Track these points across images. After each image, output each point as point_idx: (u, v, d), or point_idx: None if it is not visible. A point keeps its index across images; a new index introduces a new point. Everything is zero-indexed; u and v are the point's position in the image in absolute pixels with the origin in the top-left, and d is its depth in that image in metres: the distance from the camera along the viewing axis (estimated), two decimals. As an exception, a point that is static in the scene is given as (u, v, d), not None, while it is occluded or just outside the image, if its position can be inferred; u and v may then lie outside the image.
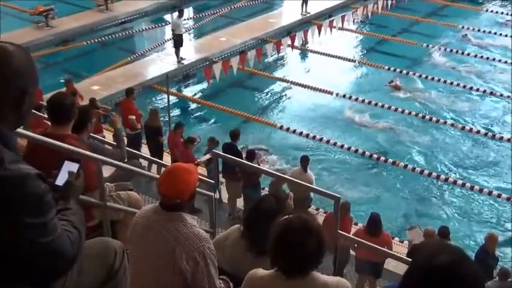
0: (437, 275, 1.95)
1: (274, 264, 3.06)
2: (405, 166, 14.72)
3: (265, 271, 3.15)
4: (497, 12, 25.36)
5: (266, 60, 20.14)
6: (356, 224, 11.13)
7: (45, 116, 5.58)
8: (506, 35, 22.73)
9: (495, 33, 23.07)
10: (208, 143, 12.56)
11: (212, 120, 17.05)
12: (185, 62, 20.00)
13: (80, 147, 4.50)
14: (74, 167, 2.82)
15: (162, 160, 11.88)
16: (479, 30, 23.50)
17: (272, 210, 3.89)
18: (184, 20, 21.14)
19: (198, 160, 11.98)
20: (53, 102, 4.77)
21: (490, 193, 13.80)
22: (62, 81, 14.82)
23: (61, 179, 2.71)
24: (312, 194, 11.59)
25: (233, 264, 3.92)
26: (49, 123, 4.89)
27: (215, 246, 3.70)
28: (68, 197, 2.59)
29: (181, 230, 3.53)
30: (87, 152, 4.56)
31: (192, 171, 3.71)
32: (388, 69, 20.17)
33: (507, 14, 24.88)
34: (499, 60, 20.82)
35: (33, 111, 5.64)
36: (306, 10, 24.20)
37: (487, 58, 21.06)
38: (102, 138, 6.77)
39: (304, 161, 11.73)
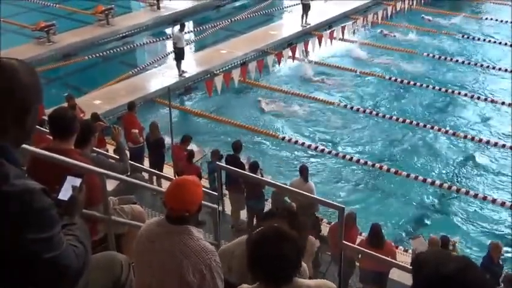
0: (444, 284, 1.95)
1: (255, 279, 3.02)
2: (408, 175, 14.69)
3: (249, 286, 3.12)
4: (496, 20, 25.43)
5: (267, 71, 20.15)
6: (360, 234, 11.10)
7: (48, 131, 5.58)
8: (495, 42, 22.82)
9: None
10: (211, 156, 12.55)
11: (214, 133, 17.07)
12: (187, 75, 20.05)
13: (83, 162, 4.50)
14: (76, 181, 2.83)
15: (162, 172, 11.90)
16: (463, 36, 23.68)
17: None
18: (185, 33, 21.21)
19: None
20: (54, 117, 4.76)
21: (494, 201, 13.76)
22: (64, 95, 14.86)
23: (64, 194, 2.71)
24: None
25: (241, 276, 3.90)
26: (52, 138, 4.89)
27: (223, 256, 3.70)
28: (73, 212, 2.59)
29: (187, 243, 3.53)
30: (90, 166, 4.56)
31: (198, 184, 3.72)
32: (389, 78, 20.21)
33: (506, 21, 24.93)
34: (499, 69, 20.87)
35: (36, 126, 5.66)
36: (306, 21, 24.28)
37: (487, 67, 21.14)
38: (105, 152, 6.77)
39: (304, 171, 11.71)
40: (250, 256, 2.92)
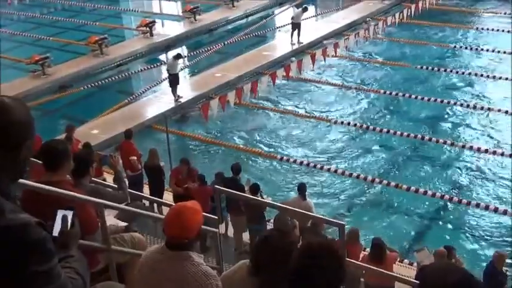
0: None
1: None
2: (408, 188, 14.67)
3: None
4: (483, 28, 25.66)
5: (262, 92, 20.21)
6: (364, 249, 11.06)
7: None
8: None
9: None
10: (215, 178, 12.50)
11: (213, 156, 17.10)
12: (182, 100, 20.11)
13: (76, 193, 4.49)
14: (68, 214, 2.83)
15: (162, 199, 11.89)
16: (454, 47, 23.83)
17: (280, 244, 3.82)
18: (180, 59, 21.31)
19: None
20: (45, 149, 4.73)
21: (496, 210, 13.74)
22: (62, 124, 14.85)
23: (57, 230, 2.71)
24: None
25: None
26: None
27: (224, 282, 3.68)
28: (68, 245, 2.60)
29: (189, 269, 3.53)
30: (84, 196, 4.56)
31: (198, 210, 3.72)
32: (384, 92, 20.30)
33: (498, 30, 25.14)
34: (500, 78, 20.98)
35: (34, 159, 5.66)
36: (299, 40, 24.43)
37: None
38: (103, 182, 6.78)
39: (302, 189, 11.71)
40: (297, 266, 2.82)
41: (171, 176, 13.09)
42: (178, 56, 20.01)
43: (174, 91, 19.94)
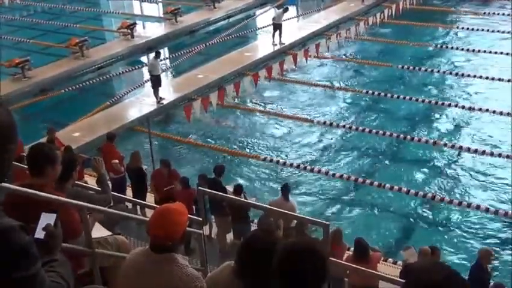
0: None
1: None
2: (391, 187, 14.74)
3: None
4: (463, 28, 25.90)
5: (245, 93, 20.22)
6: (349, 249, 11.09)
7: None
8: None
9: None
10: (198, 180, 12.46)
11: (196, 158, 17.05)
12: (165, 102, 20.04)
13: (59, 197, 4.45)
14: (51, 218, 2.81)
15: (145, 201, 11.82)
16: (436, 46, 23.98)
17: (264, 246, 3.81)
18: (161, 60, 21.23)
19: None
20: (29, 153, 4.71)
21: (478, 207, 13.82)
22: (43, 127, 14.74)
23: (40, 233, 2.70)
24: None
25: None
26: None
27: (209, 284, 3.67)
28: (52, 249, 2.57)
29: (173, 271, 3.52)
30: (66, 199, 4.51)
31: (183, 212, 3.70)
32: (367, 92, 20.37)
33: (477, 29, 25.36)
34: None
35: (16, 163, 5.61)
36: (280, 41, 24.45)
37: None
38: (86, 185, 6.72)
39: (285, 190, 11.71)
40: (280, 264, 2.79)
41: (151, 178, 13.04)
42: (157, 54, 19.93)
43: (156, 93, 19.87)
